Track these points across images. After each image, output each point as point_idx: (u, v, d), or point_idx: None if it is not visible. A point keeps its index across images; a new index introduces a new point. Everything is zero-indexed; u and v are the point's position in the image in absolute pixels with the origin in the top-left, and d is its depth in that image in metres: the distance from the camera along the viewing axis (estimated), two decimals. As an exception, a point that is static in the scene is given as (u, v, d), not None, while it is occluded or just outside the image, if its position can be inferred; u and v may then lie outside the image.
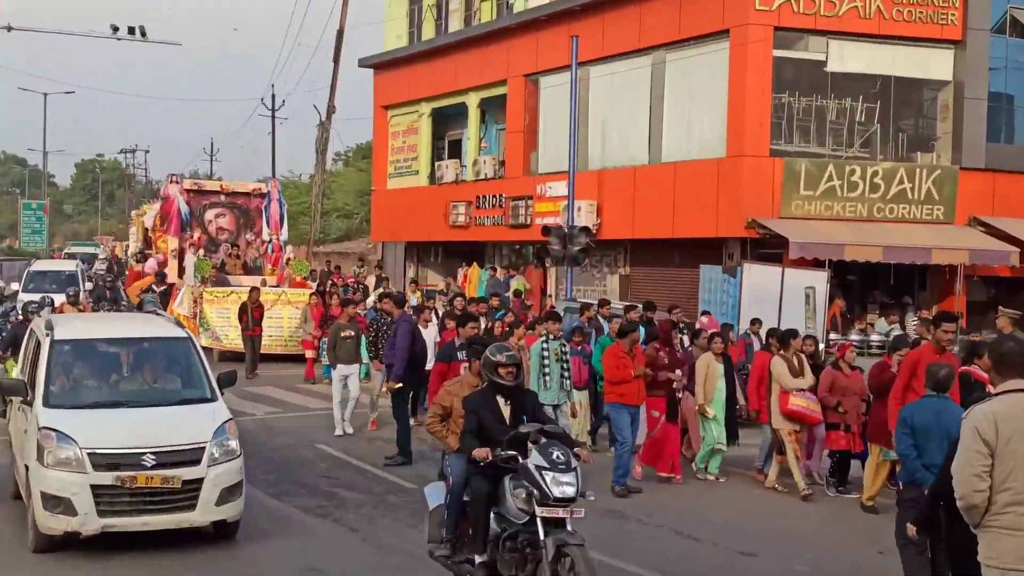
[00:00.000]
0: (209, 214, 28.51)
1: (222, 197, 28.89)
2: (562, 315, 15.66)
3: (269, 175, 54.43)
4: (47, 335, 10.27)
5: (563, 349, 13.48)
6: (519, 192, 29.83)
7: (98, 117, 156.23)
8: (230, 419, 9.82)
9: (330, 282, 27.76)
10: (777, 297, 20.28)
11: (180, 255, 27.22)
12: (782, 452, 12.17)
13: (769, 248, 22.40)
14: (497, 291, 24.24)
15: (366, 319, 18.44)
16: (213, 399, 10.03)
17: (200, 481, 9.18)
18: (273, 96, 55.63)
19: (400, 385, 14.15)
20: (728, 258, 23.25)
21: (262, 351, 21.91)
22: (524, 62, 30.14)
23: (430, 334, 16.01)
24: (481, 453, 7.35)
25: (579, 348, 14.43)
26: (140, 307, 22.32)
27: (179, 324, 12.47)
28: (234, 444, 9.57)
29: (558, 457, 7.17)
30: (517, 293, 24.41)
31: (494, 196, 31.17)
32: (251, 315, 21.20)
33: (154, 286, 25.90)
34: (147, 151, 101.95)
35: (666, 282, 25.59)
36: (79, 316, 15.57)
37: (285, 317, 23.00)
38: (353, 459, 14.08)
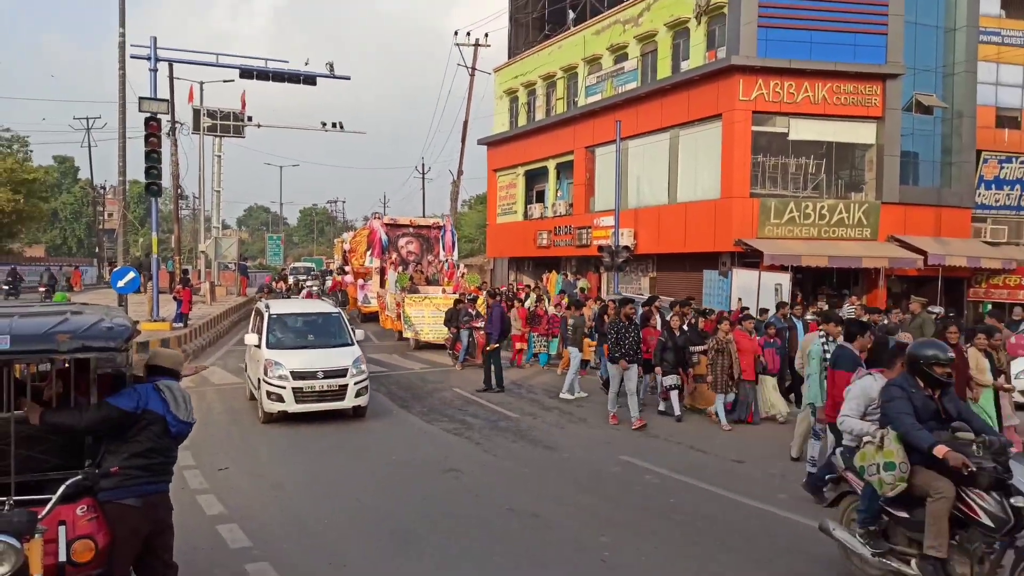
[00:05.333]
0: (401, 241, 28.01)
1: (411, 229, 28.41)
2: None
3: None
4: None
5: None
6: (582, 223, 30.58)
7: (314, 180, 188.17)
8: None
9: (487, 288, 26.56)
10: (756, 291, 21.48)
11: (382, 272, 27.15)
12: None
13: (750, 258, 23.35)
14: (568, 289, 25.86)
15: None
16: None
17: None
18: (423, 164, 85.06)
19: (497, 346, 15.96)
20: (722, 265, 24.23)
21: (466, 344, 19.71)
22: (585, 138, 31.28)
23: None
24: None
25: (772, 341, 13.70)
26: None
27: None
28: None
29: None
30: (582, 290, 26.43)
31: (565, 226, 31.92)
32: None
33: (320, 288, 27.80)
34: (344, 201, 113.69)
35: (680, 282, 26.27)
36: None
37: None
38: (477, 398, 15.20)
